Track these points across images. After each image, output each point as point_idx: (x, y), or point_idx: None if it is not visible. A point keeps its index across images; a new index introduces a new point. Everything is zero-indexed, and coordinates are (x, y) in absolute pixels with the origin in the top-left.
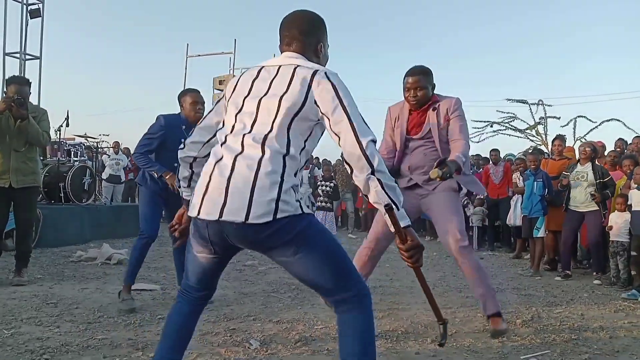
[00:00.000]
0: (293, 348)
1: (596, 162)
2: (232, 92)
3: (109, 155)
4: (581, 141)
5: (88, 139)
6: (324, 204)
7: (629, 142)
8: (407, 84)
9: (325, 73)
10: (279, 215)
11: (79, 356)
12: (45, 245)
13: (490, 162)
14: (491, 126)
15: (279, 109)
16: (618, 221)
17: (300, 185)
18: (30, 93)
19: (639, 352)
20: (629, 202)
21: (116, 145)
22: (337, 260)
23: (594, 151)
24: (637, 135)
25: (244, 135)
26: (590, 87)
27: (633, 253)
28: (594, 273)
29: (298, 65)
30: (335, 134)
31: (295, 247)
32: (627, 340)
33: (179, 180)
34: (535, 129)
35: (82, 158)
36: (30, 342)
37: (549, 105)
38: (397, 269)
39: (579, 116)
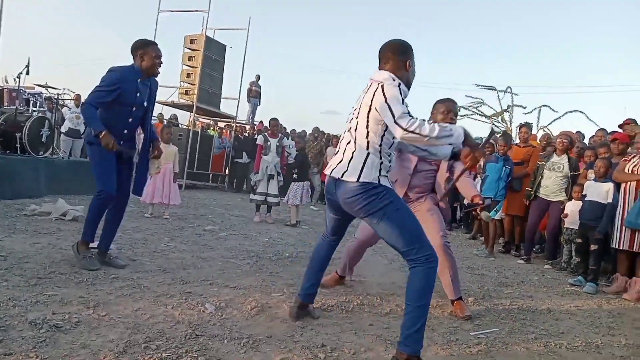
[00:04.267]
0: (248, 314)
1: (570, 154)
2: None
3: (70, 108)
4: (545, 130)
5: (49, 89)
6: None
7: (587, 136)
8: (442, 110)
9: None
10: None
11: (26, 311)
12: None
13: None
14: (459, 110)
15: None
16: (573, 209)
17: (267, 154)
18: None
19: (582, 334)
20: (584, 192)
21: (77, 98)
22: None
23: (570, 143)
24: (599, 128)
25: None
26: (558, 78)
27: (578, 240)
28: (546, 259)
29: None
30: None
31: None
32: (572, 322)
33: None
34: (502, 115)
35: (42, 109)
36: None
37: (515, 94)
38: None
39: (543, 105)
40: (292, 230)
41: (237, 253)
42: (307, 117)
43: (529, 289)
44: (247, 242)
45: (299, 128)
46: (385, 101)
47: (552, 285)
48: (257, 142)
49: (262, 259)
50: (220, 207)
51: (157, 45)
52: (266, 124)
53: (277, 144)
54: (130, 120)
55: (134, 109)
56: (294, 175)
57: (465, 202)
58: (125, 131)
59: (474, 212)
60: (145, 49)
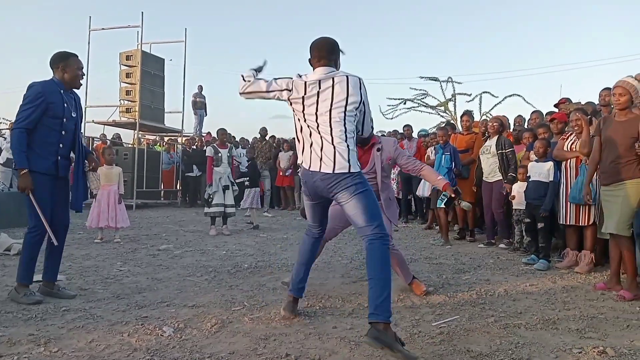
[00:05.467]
0: (209, 332)
1: (503, 135)
2: (304, 94)
3: (5, 138)
4: (487, 116)
5: None
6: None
7: (527, 118)
8: None
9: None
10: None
11: None
12: None
13: (405, 137)
14: (404, 103)
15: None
16: (520, 191)
17: (219, 165)
18: None
19: (539, 312)
20: (528, 174)
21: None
22: None
23: (501, 125)
24: (534, 110)
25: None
26: (497, 63)
27: (527, 220)
28: (497, 239)
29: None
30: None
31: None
32: (528, 301)
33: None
34: (446, 105)
35: None
36: None
37: (458, 83)
38: None
39: (483, 92)
40: (250, 240)
41: (194, 270)
42: (256, 123)
43: (485, 272)
44: (204, 258)
45: (248, 136)
46: None
47: (508, 267)
48: (206, 154)
49: (221, 273)
50: (174, 224)
51: (77, 56)
52: (214, 134)
53: (228, 154)
54: (63, 133)
55: (64, 120)
56: (246, 183)
57: (419, 193)
58: (61, 145)
59: (456, 205)
60: (66, 61)
